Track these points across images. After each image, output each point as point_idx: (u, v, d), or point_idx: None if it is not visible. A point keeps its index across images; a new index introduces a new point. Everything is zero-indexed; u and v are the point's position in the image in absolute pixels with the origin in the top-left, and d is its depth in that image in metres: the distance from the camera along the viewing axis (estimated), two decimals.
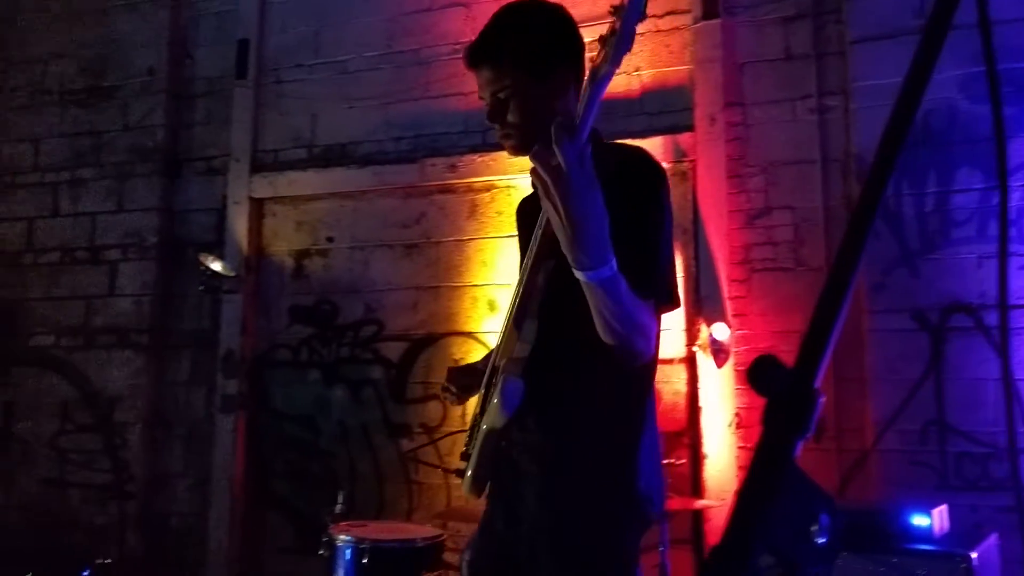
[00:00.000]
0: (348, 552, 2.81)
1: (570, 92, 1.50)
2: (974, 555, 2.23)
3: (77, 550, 3.95)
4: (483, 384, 1.52)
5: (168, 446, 4.12)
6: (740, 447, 3.24)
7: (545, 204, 1.22)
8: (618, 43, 1.18)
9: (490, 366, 1.51)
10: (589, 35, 1.44)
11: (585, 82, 1.25)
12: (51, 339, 4.30)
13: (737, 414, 3.25)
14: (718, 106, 3.41)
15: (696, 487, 3.25)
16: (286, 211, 4.15)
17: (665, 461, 2.97)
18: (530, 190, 1.49)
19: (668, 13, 3.60)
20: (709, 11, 3.45)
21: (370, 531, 2.94)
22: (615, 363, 1.36)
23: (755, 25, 3.45)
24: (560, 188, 1.17)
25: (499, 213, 3.65)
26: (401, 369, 3.85)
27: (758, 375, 0.58)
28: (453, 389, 1.68)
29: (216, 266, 3.60)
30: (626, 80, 3.62)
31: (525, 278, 1.42)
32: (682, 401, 3.37)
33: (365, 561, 2.77)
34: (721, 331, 3.25)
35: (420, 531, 3.05)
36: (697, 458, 3.27)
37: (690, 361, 3.36)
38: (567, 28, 1.53)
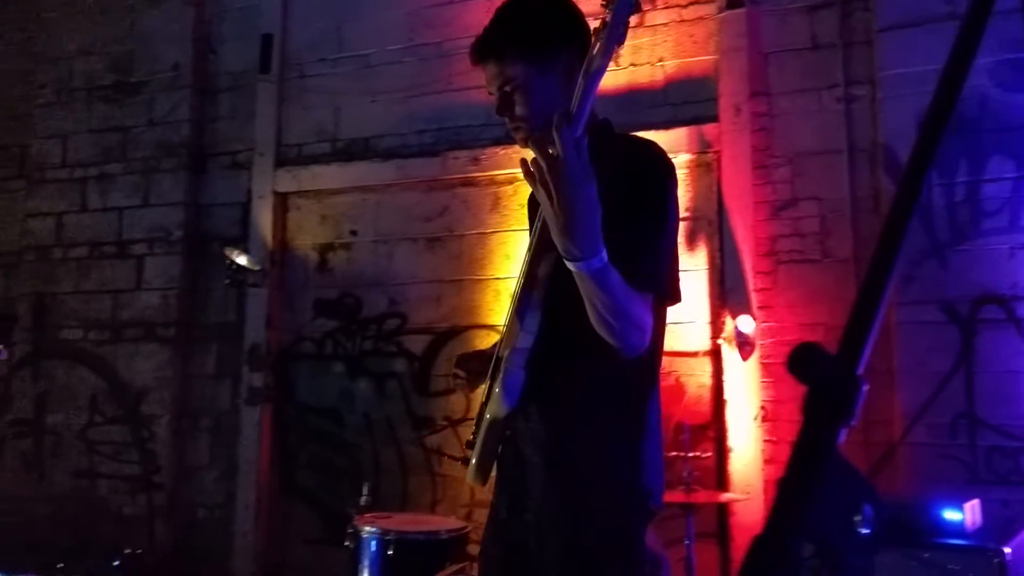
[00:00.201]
0: (373, 544, 2.83)
1: (577, 80, 1.50)
2: (1007, 550, 2.20)
3: (107, 540, 4.02)
4: (488, 374, 1.53)
5: (195, 438, 4.17)
6: (766, 440, 3.22)
7: (539, 193, 1.22)
8: (609, 36, 1.19)
9: (494, 356, 1.51)
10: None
11: (580, 75, 1.25)
12: (80, 332, 4.36)
13: (763, 407, 3.23)
14: (743, 96, 3.38)
15: (721, 480, 3.23)
16: (310, 205, 4.17)
17: (691, 454, 2.95)
18: None
19: (692, 3, 3.56)
20: (734, 0, 3.42)
21: (395, 523, 2.96)
22: (612, 355, 1.35)
23: (780, 14, 3.41)
24: (554, 176, 1.18)
25: (522, 206, 3.62)
26: (424, 362, 3.86)
27: (799, 362, 0.57)
28: (462, 374, 1.69)
29: (241, 260, 3.63)
30: (650, 71, 3.59)
31: (527, 269, 1.43)
32: (707, 394, 3.35)
33: (390, 553, 2.79)
34: (746, 324, 3.22)
35: (444, 523, 3.06)
36: (722, 451, 3.25)
37: (715, 354, 3.34)
38: (570, 16, 1.54)
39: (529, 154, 1.29)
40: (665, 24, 3.61)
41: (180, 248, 4.23)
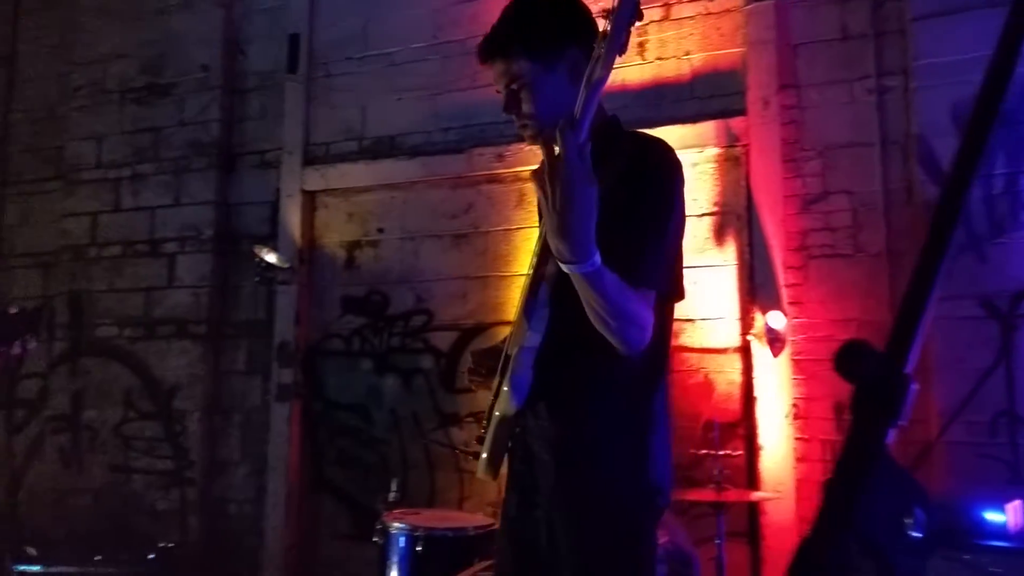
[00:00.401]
0: (402, 540, 2.84)
1: (583, 74, 1.52)
2: None
3: (142, 533, 4.09)
4: (497, 371, 1.55)
5: (226, 434, 4.22)
6: (797, 438, 3.17)
7: (539, 193, 1.24)
8: (610, 46, 1.19)
9: (503, 355, 1.52)
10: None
11: (582, 84, 1.25)
12: (115, 330, 4.43)
13: (794, 405, 3.18)
14: (772, 89, 3.33)
15: (752, 479, 3.19)
16: (337, 203, 4.20)
17: (721, 452, 2.92)
18: None
19: None
20: None
21: (423, 519, 2.97)
22: (618, 352, 1.36)
23: (810, 5, 3.36)
24: (554, 178, 1.19)
25: None
26: (451, 358, 3.87)
27: (846, 360, 0.56)
28: (481, 372, 1.71)
29: (271, 258, 3.66)
30: (676, 64, 3.55)
31: (534, 268, 1.44)
32: (736, 391, 3.31)
33: (419, 549, 2.80)
34: (777, 319, 3.18)
35: (472, 520, 3.07)
36: (752, 449, 3.21)
37: (744, 350, 3.30)
38: (576, 13, 1.54)
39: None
40: (691, 17, 3.57)
41: (211, 246, 4.28)
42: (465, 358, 3.80)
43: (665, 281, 1.42)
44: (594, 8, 1.58)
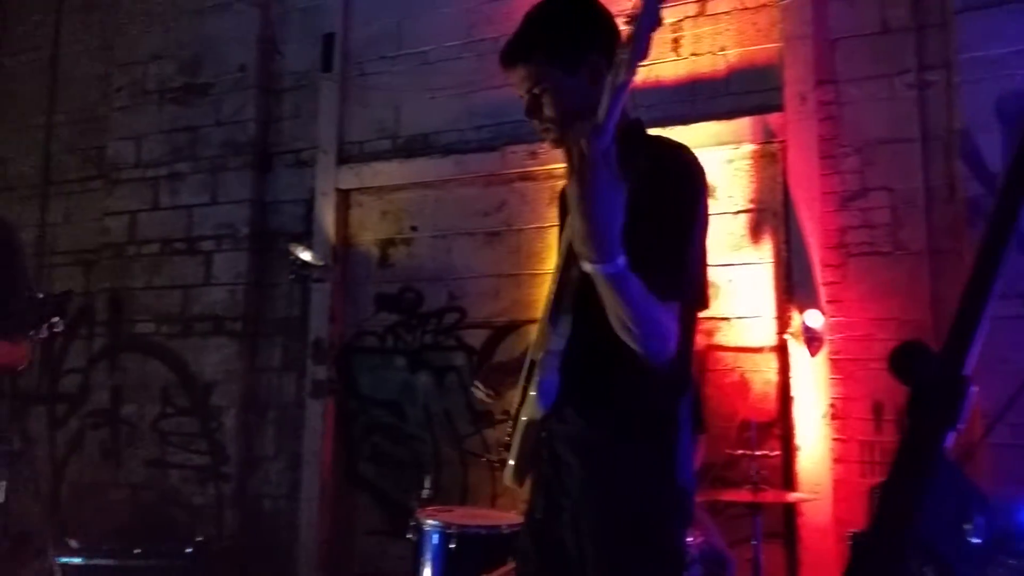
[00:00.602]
0: (436, 537, 2.85)
1: (605, 79, 1.52)
2: None
3: (179, 527, 4.15)
4: (522, 377, 1.55)
5: (261, 429, 4.27)
6: (835, 439, 3.13)
7: (568, 189, 1.24)
8: (633, 51, 1.20)
9: (528, 360, 1.53)
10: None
11: (606, 88, 1.26)
12: (153, 326, 4.51)
13: (832, 405, 3.14)
14: (809, 84, 3.28)
15: (788, 480, 3.16)
16: (371, 201, 4.22)
17: (758, 452, 2.89)
18: None
19: None
20: None
21: (456, 516, 2.98)
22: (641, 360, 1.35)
23: None
24: (578, 178, 1.20)
25: None
26: (483, 356, 3.87)
27: (902, 362, 0.55)
28: (491, 392, 1.75)
29: (305, 256, 3.70)
30: (711, 60, 3.52)
31: (559, 272, 1.44)
32: (773, 391, 3.27)
33: (452, 546, 2.81)
34: (815, 318, 3.14)
35: (505, 518, 3.07)
36: (789, 450, 3.17)
37: (781, 349, 3.25)
38: (597, 17, 1.55)
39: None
40: (727, 13, 3.53)
41: (247, 244, 4.33)
42: (499, 356, 3.81)
43: (689, 291, 1.41)
44: (614, 10, 1.58)
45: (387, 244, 4.17)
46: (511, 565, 2.68)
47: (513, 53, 1.55)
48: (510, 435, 1.54)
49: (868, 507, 3.05)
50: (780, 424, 3.23)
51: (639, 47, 1.20)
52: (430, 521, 2.88)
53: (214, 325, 4.35)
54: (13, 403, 4.86)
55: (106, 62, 4.94)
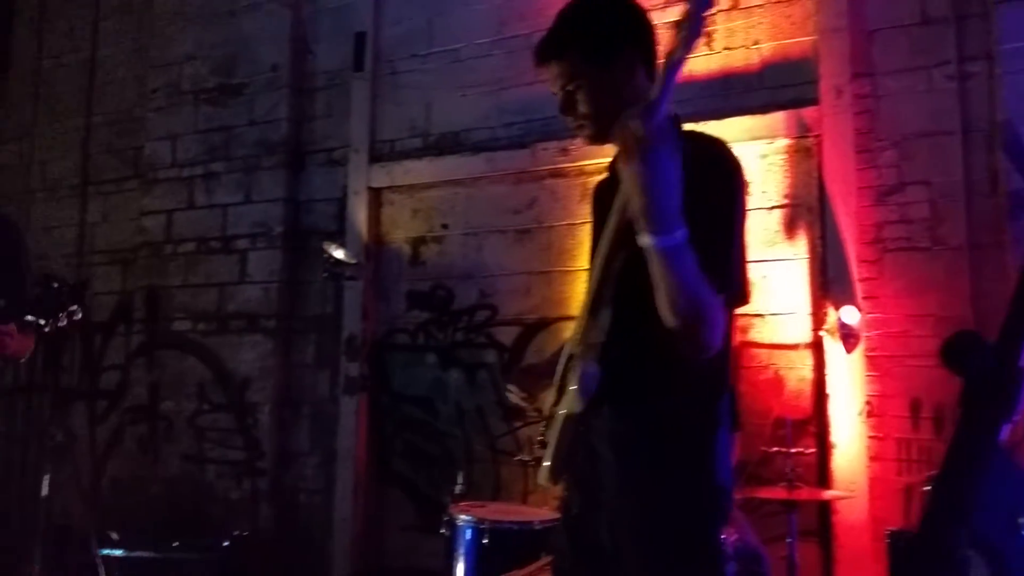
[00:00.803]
0: (468, 532, 2.86)
1: (638, 75, 1.53)
2: None
3: (216, 521, 4.22)
4: (558, 372, 1.55)
5: (296, 425, 4.32)
6: (871, 437, 3.09)
7: (624, 171, 1.25)
8: (689, 29, 1.22)
9: (564, 354, 1.52)
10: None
11: (661, 66, 1.28)
12: (189, 324, 4.58)
13: (868, 402, 3.10)
14: (845, 77, 3.24)
15: (823, 477, 3.12)
16: (403, 199, 4.25)
17: (793, 450, 2.86)
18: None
19: None
20: None
21: (489, 512, 2.99)
22: (687, 354, 1.34)
23: None
24: (640, 149, 1.22)
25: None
26: (514, 353, 3.88)
27: (954, 353, 0.54)
28: (529, 391, 1.76)
29: (338, 254, 3.73)
30: (745, 54, 3.49)
31: (602, 265, 1.43)
32: (808, 388, 3.24)
33: (485, 542, 2.82)
34: (850, 315, 3.10)
35: (538, 514, 3.07)
36: (824, 447, 3.14)
37: (816, 346, 3.22)
38: (631, 14, 1.55)
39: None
40: (760, 6, 3.50)
41: (280, 243, 4.38)
42: (530, 353, 3.82)
43: (736, 284, 1.41)
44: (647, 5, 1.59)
45: (418, 242, 4.20)
46: (543, 561, 2.69)
47: (547, 50, 1.55)
48: (544, 433, 1.54)
49: (905, 505, 3.01)
50: (815, 421, 3.20)
51: (695, 25, 1.22)
52: (463, 516, 2.90)
53: (249, 322, 4.41)
54: (55, 399, 4.99)
55: (142, 64, 5.02)
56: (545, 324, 3.81)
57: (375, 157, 4.26)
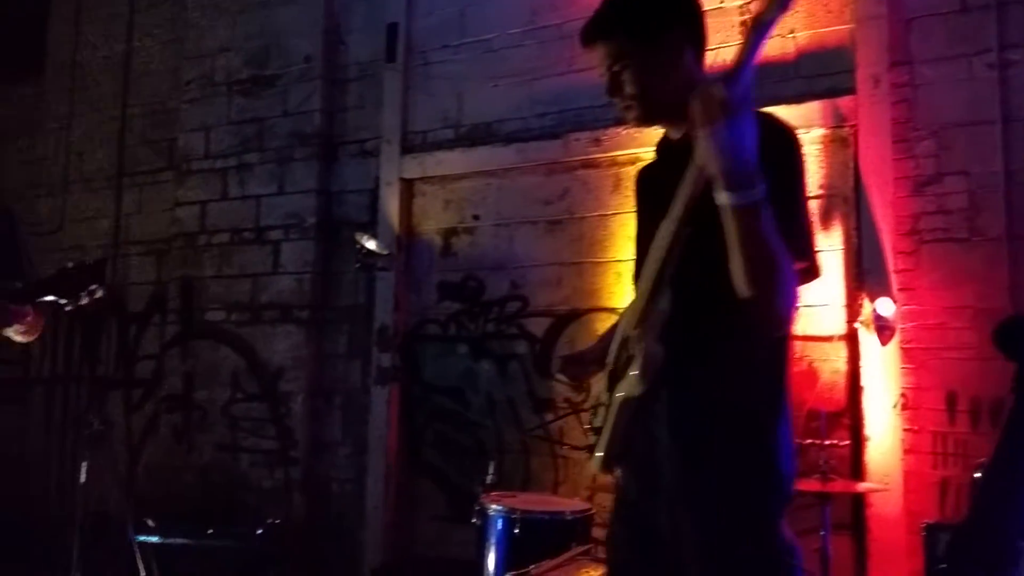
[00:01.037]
0: (500, 522, 2.88)
1: (686, 56, 1.52)
2: None
3: (250, 510, 4.28)
4: (612, 356, 1.52)
5: (328, 415, 4.36)
6: (906, 430, 3.06)
7: (702, 136, 1.24)
8: None
9: (619, 335, 1.50)
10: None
11: (748, 29, 1.28)
12: (223, 314, 4.64)
13: (903, 395, 3.07)
14: (882, 66, 3.20)
15: (857, 470, 3.10)
16: (434, 191, 4.27)
17: (827, 442, 2.84)
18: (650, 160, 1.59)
19: None
20: None
21: (520, 502, 3.01)
22: (750, 334, 1.33)
23: None
24: (724, 113, 1.21)
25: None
26: (545, 344, 3.89)
27: (1008, 336, 0.54)
28: (578, 378, 1.78)
29: (370, 245, 3.75)
30: (780, 43, 3.45)
31: (667, 243, 1.40)
32: (842, 380, 3.21)
33: (516, 531, 2.83)
34: (886, 306, 3.07)
35: (569, 504, 3.09)
36: (858, 440, 3.12)
37: (851, 338, 3.19)
38: None
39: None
40: None
41: (313, 234, 4.41)
42: (561, 345, 3.82)
43: (812, 255, 1.40)
44: None
45: (450, 233, 4.21)
46: (576, 551, 2.70)
47: (593, 31, 1.55)
48: (592, 420, 1.53)
49: (940, 499, 2.98)
50: (849, 414, 3.18)
51: None
52: (494, 506, 2.92)
53: (282, 313, 4.45)
54: (92, 388, 5.08)
55: (176, 56, 5.08)
56: (576, 315, 3.81)
57: (407, 148, 4.28)
